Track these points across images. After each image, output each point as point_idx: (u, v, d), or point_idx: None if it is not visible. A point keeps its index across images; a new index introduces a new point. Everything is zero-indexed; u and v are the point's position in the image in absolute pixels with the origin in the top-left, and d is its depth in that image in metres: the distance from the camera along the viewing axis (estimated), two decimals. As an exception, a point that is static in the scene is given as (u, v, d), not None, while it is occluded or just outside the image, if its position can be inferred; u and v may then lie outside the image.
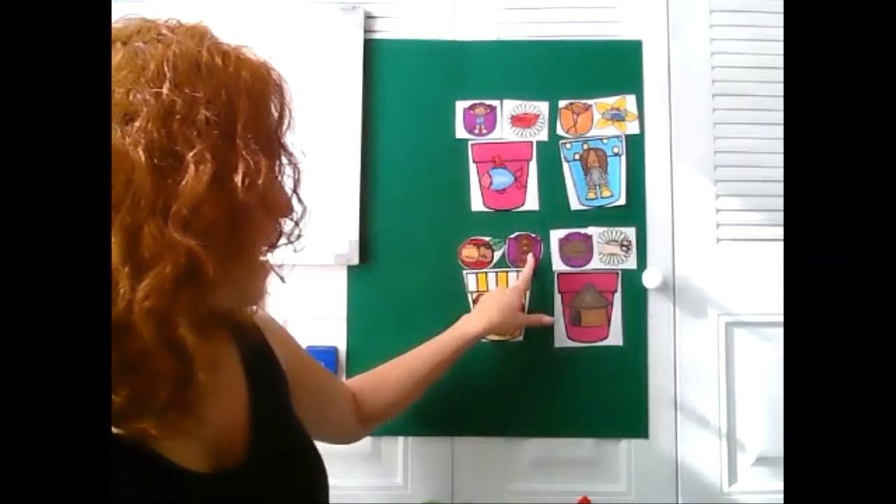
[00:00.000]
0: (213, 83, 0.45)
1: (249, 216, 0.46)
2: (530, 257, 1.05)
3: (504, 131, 1.10)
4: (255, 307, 0.61)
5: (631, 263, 1.07)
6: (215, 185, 0.43)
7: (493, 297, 1.00)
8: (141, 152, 0.41)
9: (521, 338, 1.07)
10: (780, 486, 1.03)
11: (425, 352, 0.92)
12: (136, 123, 0.41)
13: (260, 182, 0.45)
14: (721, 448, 1.06)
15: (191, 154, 0.42)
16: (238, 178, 0.44)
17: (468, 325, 0.95)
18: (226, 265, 0.46)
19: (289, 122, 0.52)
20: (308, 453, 0.63)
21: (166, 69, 0.43)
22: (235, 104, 0.45)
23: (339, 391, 0.83)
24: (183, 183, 0.42)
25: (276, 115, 0.50)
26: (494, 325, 0.95)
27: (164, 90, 0.42)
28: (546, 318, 1.02)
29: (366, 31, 1.09)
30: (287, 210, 0.53)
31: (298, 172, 0.56)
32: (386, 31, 1.11)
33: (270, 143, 0.49)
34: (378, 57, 1.10)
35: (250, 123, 0.46)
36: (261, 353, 0.64)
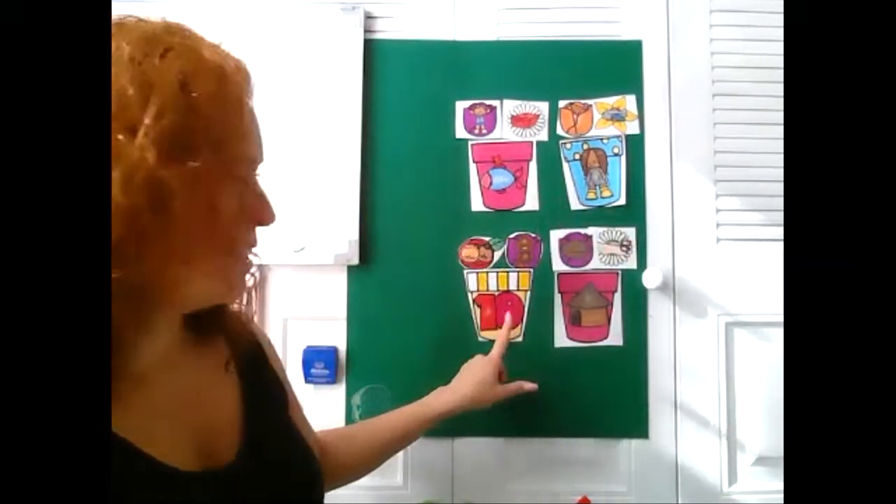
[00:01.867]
0: (130, 75, 0.43)
1: (155, 218, 0.43)
2: (508, 317, 1.04)
3: (504, 131, 1.10)
4: (251, 312, 0.61)
5: (631, 263, 1.08)
6: (152, 199, 0.42)
7: (468, 370, 0.96)
8: None
9: (520, 338, 1.07)
10: (780, 486, 1.03)
11: (392, 420, 0.88)
12: None
13: (140, 179, 0.42)
14: (721, 448, 1.06)
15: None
16: (115, 174, 0.41)
17: (438, 401, 0.91)
18: (150, 271, 0.44)
19: (250, 127, 0.51)
20: (303, 460, 0.63)
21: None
22: (149, 98, 0.43)
23: (311, 435, 0.77)
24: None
25: (228, 116, 0.48)
26: (468, 400, 0.92)
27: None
28: (527, 385, 0.98)
29: (366, 31, 1.09)
30: (251, 216, 0.52)
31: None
32: (386, 31, 1.11)
33: (212, 144, 0.46)
34: (378, 57, 1.10)
35: (161, 119, 0.43)
36: (257, 360, 0.64)
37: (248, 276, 0.56)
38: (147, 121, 0.43)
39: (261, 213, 0.53)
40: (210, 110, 0.46)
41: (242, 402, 0.58)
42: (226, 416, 0.57)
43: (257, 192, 0.54)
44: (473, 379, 0.94)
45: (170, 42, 0.46)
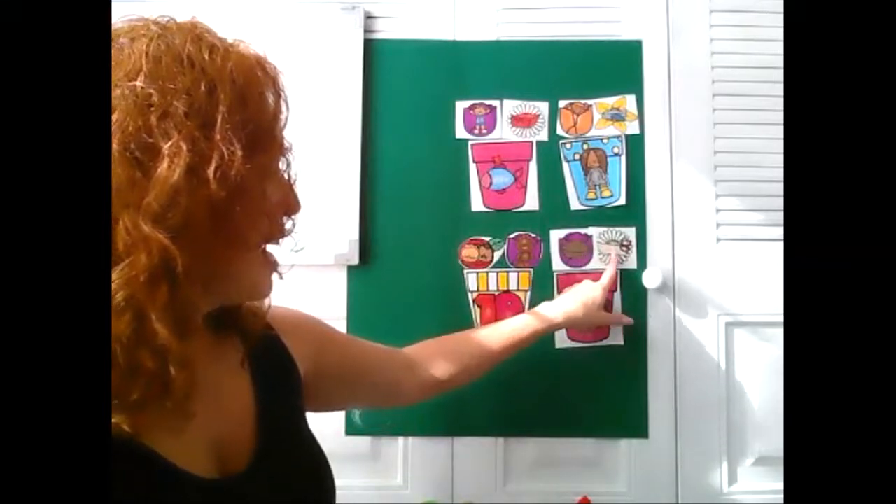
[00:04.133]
0: (194, 75, 0.44)
1: (228, 209, 0.44)
2: (614, 254, 1.05)
3: (504, 131, 1.10)
4: (266, 306, 0.60)
5: (631, 263, 1.07)
6: (190, 176, 0.42)
7: (578, 290, 0.99)
8: (115, 145, 0.41)
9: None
10: (780, 486, 1.03)
11: (502, 328, 0.92)
12: (115, 116, 0.41)
13: (233, 173, 0.43)
14: (721, 448, 1.06)
15: (166, 146, 0.42)
16: (210, 170, 0.42)
17: (549, 311, 0.94)
18: (214, 259, 0.45)
19: (284, 117, 0.51)
20: (317, 463, 0.62)
21: (143, 63, 0.43)
22: (217, 96, 0.44)
23: (392, 360, 0.82)
24: (156, 175, 0.41)
25: (270, 108, 0.49)
26: (575, 319, 0.95)
27: (139, 83, 0.42)
28: (626, 319, 1.03)
29: (366, 31, 1.09)
30: (285, 206, 0.53)
31: (290, 168, 0.55)
32: (386, 31, 1.11)
33: (259, 136, 0.47)
34: (378, 57, 1.10)
35: (232, 115, 0.44)
36: (272, 358, 0.63)
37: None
38: (222, 118, 0.44)
39: (292, 202, 0.53)
40: (259, 104, 0.47)
41: (256, 405, 0.57)
42: (240, 417, 0.56)
43: (285, 181, 0.54)
44: (584, 300, 0.96)
45: (211, 41, 0.47)
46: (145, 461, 0.45)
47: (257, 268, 0.51)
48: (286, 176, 0.54)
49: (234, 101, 0.45)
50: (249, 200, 0.46)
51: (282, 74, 0.53)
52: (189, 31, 0.47)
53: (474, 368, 0.89)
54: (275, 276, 0.55)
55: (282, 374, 0.64)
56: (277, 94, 0.51)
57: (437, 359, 0.85)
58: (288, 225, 0.54)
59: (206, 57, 0.45)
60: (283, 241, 0.54)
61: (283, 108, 0.51)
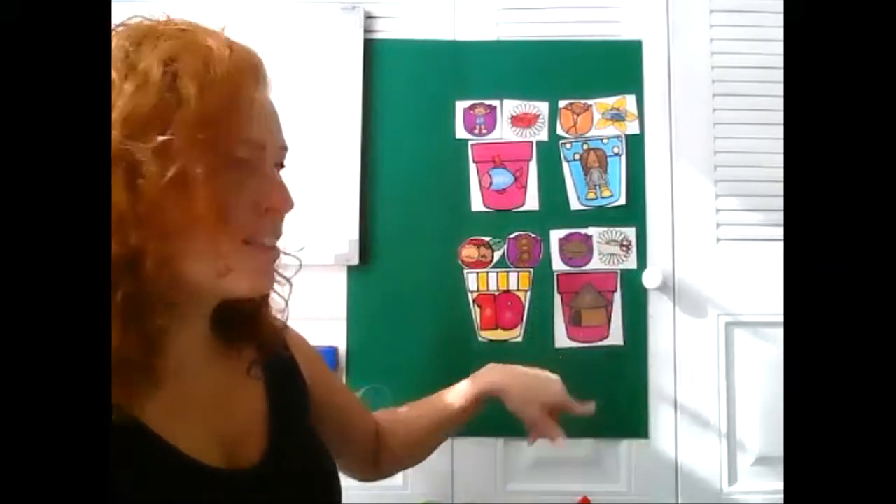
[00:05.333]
0: (120, 66, 0.45)
1: (171, 206, 0.45)
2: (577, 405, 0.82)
3: (504, 131, 1.10)
4: (280, 319, 0.62)
5: (631, 263, 1.07)
6: (125, 176, 0.43)
7: (537, 372, 0.83)
8: None
9: (520, 338, 1.07)
10: (780, 486, 1.03)
11: (447, 396, 0.80)
12: None
13: (112, 152, 0.43)
14: (721, 448, 1.06)
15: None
16: (151, 168, 0.44)
17: (492, 375, 0.81)
18: (188, 252, 0.46)
19: (253, 113, 0.50)
20: (326, 467, 0.62)
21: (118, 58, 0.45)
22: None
23: (364, 419, 0.77)
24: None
25: (216, 101, 0.47)
26: (504, 394, 0.79)
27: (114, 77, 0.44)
28: (555, 433, 0.79)
29: (366, 31, 1.09)
30: (269, 202, 0.51)
31: (281, 167, 0.55)
32: (386, 31, 1.11)
33: (212, 130, 0.47)
34: (378, 57, 1.10)
35: (130, 97, 0.44)
36: (284, 367, 0.64)
37: (278, 275, 0.56)
38: (119, 101, 0.44)
39: (272, 198, 0.51)
40: (194, 89, 0.46)
41: (268, 410, 0.59)
42: (251, 419, 0.57)
43: (269, 177, 0.52)
44: (537, 372, 0.82)
45: (162, 31, 0.47)
46: (159, 450, 0.47)
47: (246, 263, 0.50)
48: (269, 172, 0.53)
49: (144, 86, 0.45)
50: (157, 184, 0.45)
51: (266, 72, 0.52)
52: (139, 27, 0.48)
53: (429, 439, 0.82)
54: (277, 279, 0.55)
55: (293, 383, 0.65)
56: (239, 86, 0.48)
57: (401, 426, 0.79)
58: (277, 223, 0.53)
59: (145, 48, 0.46)
60: (273, 240, 0.53)
61: (253, 102, 0.50)
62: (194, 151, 0.45)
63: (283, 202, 0.53)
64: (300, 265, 0.59)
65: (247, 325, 0.58)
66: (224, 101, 0.47)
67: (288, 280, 0.59)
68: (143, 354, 0.45)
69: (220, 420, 0.53)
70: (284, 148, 0.55)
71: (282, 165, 0.55)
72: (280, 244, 0.55)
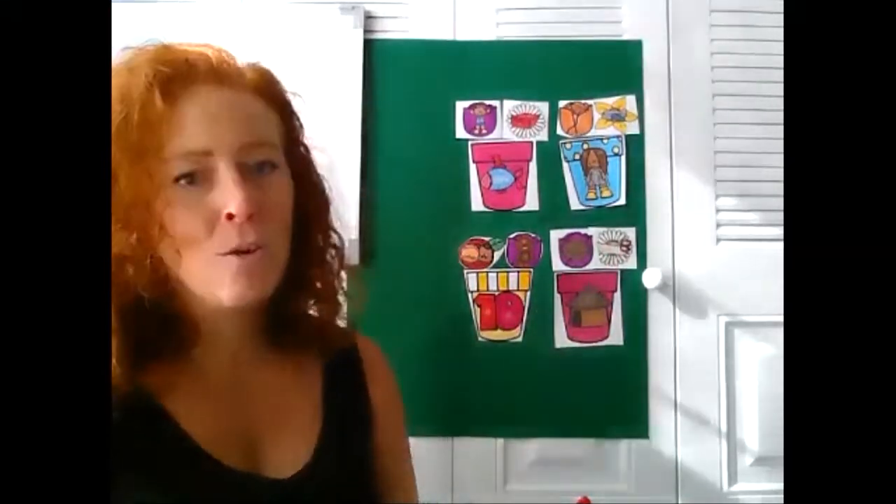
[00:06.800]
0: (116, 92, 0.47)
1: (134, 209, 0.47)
2: None
3: (504, 131, 1.10)
4: (346, 326, 0.62)
5: (631, 263, 1.07)
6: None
7: None
8: None
9: (520, 338, 1.07)
10: (780, 486, 1.03)
11: None
12: None
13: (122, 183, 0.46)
14: (721, 448, 1.06)
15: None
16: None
17: None
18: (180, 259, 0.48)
19: (186, 122, 0.48)
20: (366, 490, 0.59)
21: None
22: (127, 110, 0.47)
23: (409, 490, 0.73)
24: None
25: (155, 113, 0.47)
26: None
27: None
28: None
29: (366, 31, 1.09)
30: (229, 211, 0.48)
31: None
32: (386, 31, 1.11)
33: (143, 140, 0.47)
34: (378, 57, 1.10)
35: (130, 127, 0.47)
36: (349, 379, 0.61)
37: (276, 277, 0.53)
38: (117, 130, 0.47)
39: (228, 206, 0.47)
40: (114, 123, 0.46)
41: (321, 423, 0.56)
42: (300, 428, 0.55)
43: (223, 183, 0.48)
44: None
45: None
46: (173, 438, 0.49)
47: (219, 273, 0.48)
48: (226, 178, 0.48)
49: (138, 113, 0.47)
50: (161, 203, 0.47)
51: (224, 67, 0.51)
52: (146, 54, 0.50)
53: None
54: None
55: (356, 398, 0.61)
56: (151, 92, 0.47)
57: None
58: (245, 228, 0.48)
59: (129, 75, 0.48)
60: (247, 244, 0.49)
61: (185, 106, 0.48)
62: (131, 181, 0.47)
63: (240, 207, 0.47)
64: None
65: (293, 326, 0.57)
66: (140, 128, 0.47)
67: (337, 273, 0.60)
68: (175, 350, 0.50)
69: (247, 420, 0.53)
70: (255, 144, 0.50)
71: (267, 163, 0.51)
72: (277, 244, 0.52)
